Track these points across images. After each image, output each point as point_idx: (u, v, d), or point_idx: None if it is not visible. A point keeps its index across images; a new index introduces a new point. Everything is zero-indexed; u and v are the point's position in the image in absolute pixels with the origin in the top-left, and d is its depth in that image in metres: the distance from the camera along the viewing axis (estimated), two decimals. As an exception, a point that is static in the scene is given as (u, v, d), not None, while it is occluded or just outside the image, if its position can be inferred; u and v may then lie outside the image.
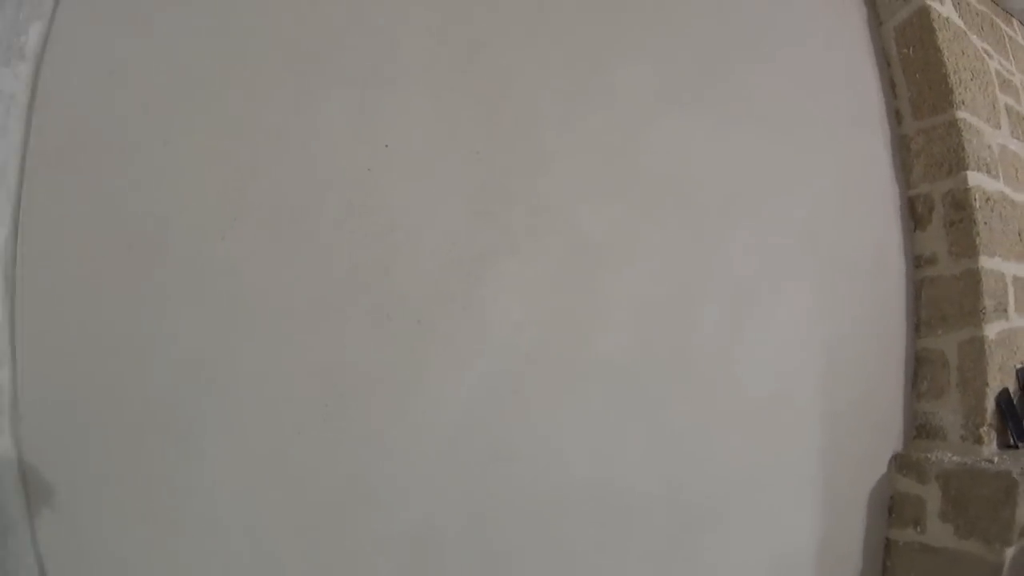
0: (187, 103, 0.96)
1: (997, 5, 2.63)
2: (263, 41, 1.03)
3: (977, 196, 1.93)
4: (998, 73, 2.35)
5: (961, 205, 1.94)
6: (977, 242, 1.91)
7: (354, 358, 1.07)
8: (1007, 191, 2.12)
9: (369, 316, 1.08)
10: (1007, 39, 2.58)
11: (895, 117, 2.11)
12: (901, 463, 1.96)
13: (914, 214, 2.06)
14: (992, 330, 1.92)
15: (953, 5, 2.24)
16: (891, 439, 1.98)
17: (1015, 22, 2.75)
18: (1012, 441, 1.97)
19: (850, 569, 1.92)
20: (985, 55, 2.31)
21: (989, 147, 2.07)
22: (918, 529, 1.92)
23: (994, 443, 1.94)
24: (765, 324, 1.63)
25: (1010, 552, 1.76)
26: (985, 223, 1.94)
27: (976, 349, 1.91)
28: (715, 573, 1.53)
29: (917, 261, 2.04)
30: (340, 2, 1.12)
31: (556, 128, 1.34)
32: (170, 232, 0.94)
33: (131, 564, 0.89)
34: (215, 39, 0.99)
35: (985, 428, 1.91)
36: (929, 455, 1.93)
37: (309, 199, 1.05)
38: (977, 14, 2.40)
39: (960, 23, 2.22)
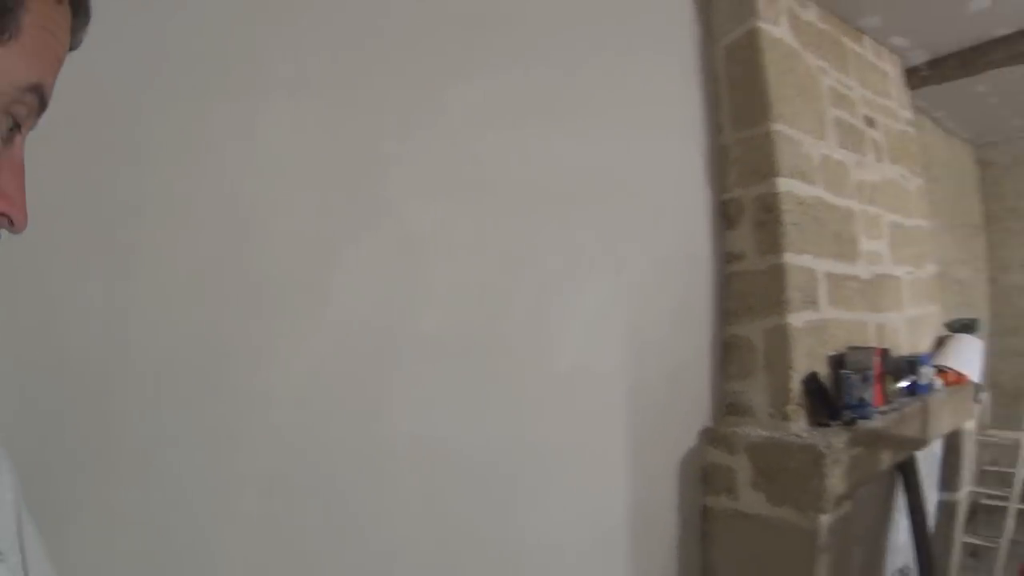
0: (119, 120, 1.19)
1: (847, 24, 2.94)
2: (168, 63, 1.25)
3: (786, 200, 2.23)
4: (832, 88, 2.66)
5: (769, 208, 2.24)
6: (783, 241, 2.21)
7: (224, 328, 1.30)
8: (826, 196, 2.43)
9: (236, 293, 1.32)
10: (852, 56, 2.89)
11: (716, 128, 2.41)
12: (711, 436, 2.26)
13: (726, 215, 2.36)
14: (799, 319, 2.22)
15: (790, 26, 2.51)
16: (703, 415, 2.29)
17: (866, 39, 3.07)
18: (824, 420, 2.27)
19: (671, 531, 2.22)
20: (820, 72, 2.62)
21: (807, 156, 2.38)
22: (731, 497, 2.21)
23: (803, 421, 2.23)
24: (573, 309, 1.91)
25: (825, 519, 2.02)
26: (794, 224, 2.24)
27: (781, 336, 2.20)
28: (534, 529, 1.79)
29: (727, 257, 2.35)
30: (233, 34, 1.35)
31: (395, 138, 1.58)
32: (103, 224, 1.16)
33: (83, 505, 1.12)
34: (138, 57, 1.22)
35: (792, 407, 2.20)
36: (737, 429, 2.22)
37: (200, 197, 1.28)
38: (818, 33, 2.70)
39: (794, 43, 2.51)
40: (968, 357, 3.13)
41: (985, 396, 4.19)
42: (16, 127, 0.50)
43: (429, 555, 1.58)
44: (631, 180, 2.10)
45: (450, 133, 1.68)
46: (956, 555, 3.41)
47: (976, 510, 4.34)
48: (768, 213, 2.24)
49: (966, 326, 3.27)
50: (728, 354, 2.34)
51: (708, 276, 2.32)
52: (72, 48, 0.54)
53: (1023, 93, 4.16)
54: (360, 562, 1.46)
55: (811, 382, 2.25)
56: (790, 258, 2.22)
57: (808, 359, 2.26)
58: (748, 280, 2.30)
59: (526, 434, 1.78)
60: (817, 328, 2.30)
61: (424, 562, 1.57)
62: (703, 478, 2.28)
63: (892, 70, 3.23)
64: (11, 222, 0.51)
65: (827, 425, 2.23)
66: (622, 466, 2.05)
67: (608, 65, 2.09)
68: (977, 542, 3.99)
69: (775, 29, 2.43)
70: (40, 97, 0.50)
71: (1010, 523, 3.71)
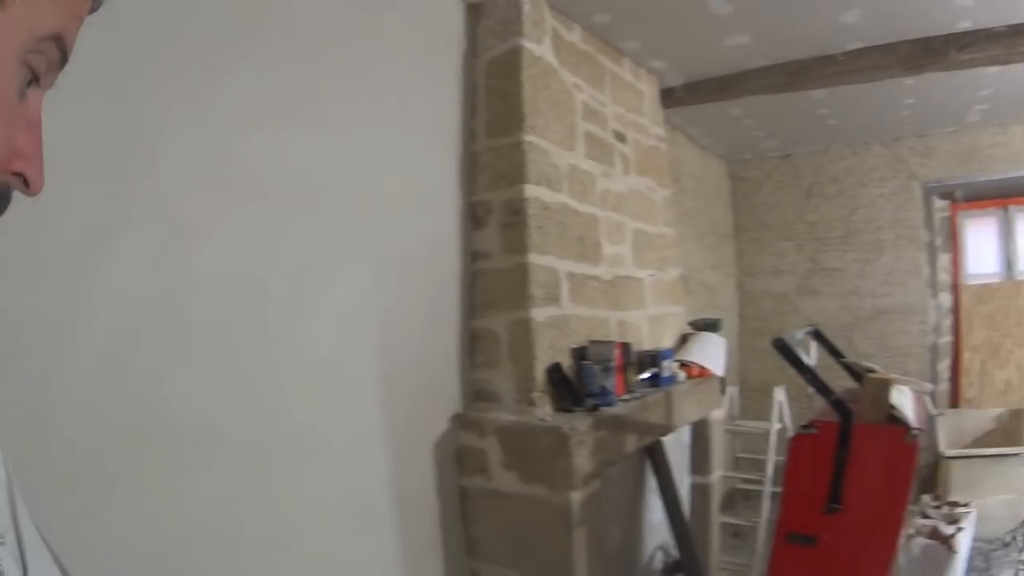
0: None
1: (609, 46, 3.30)
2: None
3: (532, 204, 2.53)
4: (585, 104, 3.01)
5: (516, 211, 2.52)
6: (528, 242, 2.50)
7: (20, 311, 1.40)
8: (571, 202, 2.76)
9: (28, 277, 1.42)
10: (609, 75, 3.26)
11: (470, 136, 2.68)
12: (461, 421, 2.53)
13: (474, 217, 2.64)
14: (541, 314, 2.52)
15: (552, 45, 2.82)
16: (453, 401, 2.56)
17: (626, 60, 3.46)
18: (568, 406, 2.54)
19: (433, 509, 2.47)
20: (575, 89, 2.95)
21: (555, 165, 2.69)
22: (486, 477, 2.47)
23: (548, 407, 2.53)
24: (329, 299, 2.10)
25: (576, 496, 2.29)
26: (539, 227, 2.54)
27: (524, 329, 2.50)
28: (302, 501, 1.97)
29: (474, 256, 2.63)
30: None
31: (171, 137, 1.71)
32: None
33: None
34: None
35: (537, 394, 2.50)
36: (486, 414, 2.49)
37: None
38: (579, 53, 3.04)
39: (553, 61, 2.82)
40: (712, 353, 3.59)
41: (734, 390, 4.77)
42: (34, 80, 0.49)
43: (209, 529, 1.74)
44: (385, 180, 2.32)
45: (219, 131, 1.84)
46: (715, 533, 3.86)
47: (735, 494, 4.92)
48: (514, 216, 2.53)
49: (709, 325, 3.75)
50: (475, 345, 2.62)
51: (457, 272, 2.60)
52: (93, 9, 0.54)
53: (775, 117, 4.78)
54: (151, 537, 1.60)
55: (555, 372, 2.56)
56: (534, 258, 2.52)
57: (551, 351, 2.57)
58: (494, 277, 2.58)
59: (291, 415, 1.97)
60: (559, 323, 2.62)
61: (204, 536, 1.73)
62: (458, 460, 2.54)
63: (648, 90, 3.67)
64: (26, 182, 0.51)
65: (571, 411, 2.53)
66: (381, 447, 2.27)
67: (372, 71, 2.30)
68: (739, 522, 4.54)
69: (537, 48, 2.73)
70: (61, 49, 0.50)
71: (766, 504, 4.23)
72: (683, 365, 3.39)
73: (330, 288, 2.12)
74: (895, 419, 2.51)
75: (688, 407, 3.27)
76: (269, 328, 1.93)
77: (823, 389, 2.52)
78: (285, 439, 1.94)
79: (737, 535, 4.69)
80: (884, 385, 2.63)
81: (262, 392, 1.90)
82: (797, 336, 3.04)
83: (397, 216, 2.36)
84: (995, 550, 4.23)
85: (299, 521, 1.97)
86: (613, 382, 2.70)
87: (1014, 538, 4.16)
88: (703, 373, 3.49)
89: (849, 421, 2.43)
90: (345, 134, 2.18)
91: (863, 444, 2.43)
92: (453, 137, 2.64)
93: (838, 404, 2.46)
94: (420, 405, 2.43)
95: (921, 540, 3.34)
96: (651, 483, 3.32)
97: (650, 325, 3.32)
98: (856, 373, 3.07)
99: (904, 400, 2.65)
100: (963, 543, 3.30)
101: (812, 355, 3.94)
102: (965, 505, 3.66)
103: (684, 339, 3.66)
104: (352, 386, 2.19)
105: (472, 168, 2.67)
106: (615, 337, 2.96)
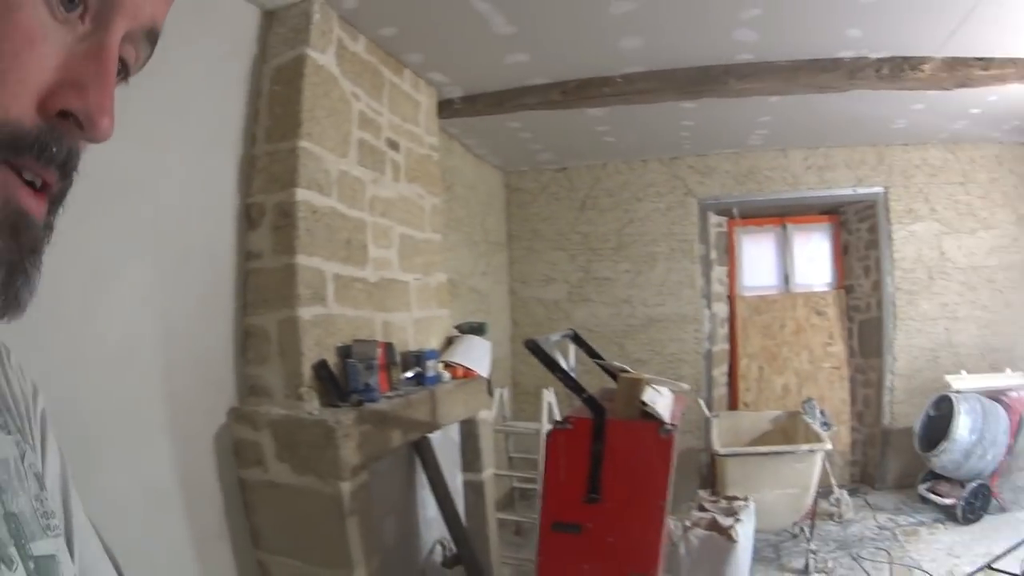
0: None
1: (392, 57, 3.66)
2: None
3: (302, 208, 2.84)
4: (362, 113, 3.35)
5: (287, 214, 2.83)
6: (296, 244, 2.81)
7: None
8: (340, 207, 3.11)
9: None
10: (388, 85, 3.63)
11: (251, 140, 2.96)
12: (237, 415, 2.80)
13: (249, 218, 2.93)
14: (308, 313, 2.84)
15: (336, 55, 3.14)
16: (229, 396, 2.83)
17: (407, 71, 3.84)
18: (335, 401, 2.85)
19: (217, 500, 2.71)
20: (353, 98, 3.29)
21: (326, 171, 3.02)
22: (262, 468, 2.75)
23: (316, 402, 2.84)
24: (117, 292, 2.31)
25: (346, 486, 2.61)
26: (307, 230, 2.86)
27: (292, 327, 2.80)
28: (96, 489, 2.07)
29: (247, 255, 2.91)
30: None
31: None
32: None
33: None
34: None
35: (304, 389, 2.80)
36: (259, 408, 2.78)
37: None
38: (361, 63, 3.38)
39: (336, 71, 3.15)
40: (477, 355, 4.03)
41: (505, 391, 5.25)
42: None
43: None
44: (171, 178, 2.56)
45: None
46: (493, 529, 4.22)
47: (514, 493, 5.39)
48: (285, 218, 2.84)
49: (475, 329, 4.20)
50: (248, 341, 2.91)
51: (231, 271, 2.87)
52: None
53: (553, 132, 5.32)
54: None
55: (321, 368, 2.88)
56: (301, 259, 2.83)
57: (318, 348, 2.90)
58: (265, 276, 2.88)
59: (85, 405, 2.14)
60: (325, 321, 2.95)
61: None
62: (236, 452, 2.80)
63: (426, 101, 4.08)
64: (80, 125, 0.43)
65: (337, 406, 2.85)
66: (167, 440, 2.50)
67: (166, 72, 2.43)
68: (518, 519, 5.04)
69: (321, 57, 3.04)
70: None
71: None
72: (448, 366, 3.79)
73: (119, 283, 2.34)
74: (648, 415, 2.74)
75: (454, 406, 3.67)
76: (68, 320, 2.12)
77: (575, 387, 2.80)
78: (80, 429, 2.11)
79: (519, 532, 5.18)
80: (635, 384, 2.87)
81: (61, 381, 2.06)
82: (553, 339, 3.36)
83: (181, 214, 2.61)
84: (784, 541, 4.97)
85: (94, 509, 2.13)
86: (377, 379, 3.04)
87: (801, 529, 4.90)
88: (468, 374, 3.89)
89: (602, 417, 2.69)
90: (138, 132, 2.35)
91: (618, 438, 2.64)
92: (236, 140, 2.91)
93: (590, 401, 2.73)
94: (200, 399, 2.69)
95: (699, 532, 3.79)
96: (423, 478, 3.69)
97: (415, 327, 3.71)
98: (613, 374, 3.32)
99: (658, 398, 2.93)
100: (742, 534, 3.75)
101: (572, 358, 4.44)
102: (745, 499, 4.15)
103: (450, 341, 4.08)
104: (139, 378, 2.41)
105: (250, 171, 2.95)
106: (380, 337, 3.33)
